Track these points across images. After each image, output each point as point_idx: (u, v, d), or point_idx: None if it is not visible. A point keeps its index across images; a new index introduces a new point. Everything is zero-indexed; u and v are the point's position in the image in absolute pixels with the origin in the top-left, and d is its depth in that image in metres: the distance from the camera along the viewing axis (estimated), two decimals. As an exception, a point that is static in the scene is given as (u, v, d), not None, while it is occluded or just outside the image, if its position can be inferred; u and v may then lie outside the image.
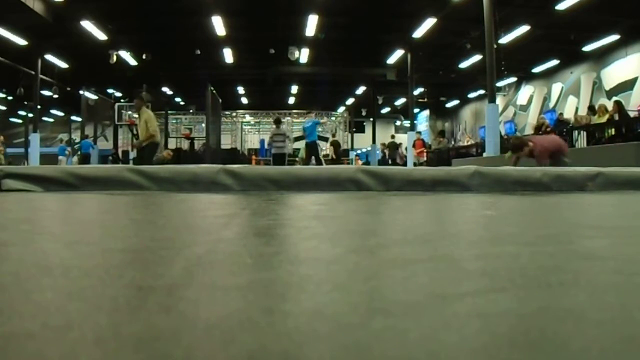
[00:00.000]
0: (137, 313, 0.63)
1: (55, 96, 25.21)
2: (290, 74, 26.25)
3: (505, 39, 17.18)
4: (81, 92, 25.69)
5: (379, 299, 0.73)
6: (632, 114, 14.36)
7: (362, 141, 35.04)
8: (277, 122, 15.55)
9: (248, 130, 37.71)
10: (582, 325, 0.59)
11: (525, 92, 26.14)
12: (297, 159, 26.22)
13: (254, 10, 17.62)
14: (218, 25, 18.31)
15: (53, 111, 33.85)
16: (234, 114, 33.85)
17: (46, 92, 24.73)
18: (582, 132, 13.82)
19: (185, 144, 28.16)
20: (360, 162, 28.30)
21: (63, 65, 23.02)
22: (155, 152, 9.70)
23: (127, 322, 0.59)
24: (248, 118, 35.34)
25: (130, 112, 22.21)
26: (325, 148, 34.80)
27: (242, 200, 3.15)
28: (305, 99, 33.69)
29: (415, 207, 2.86)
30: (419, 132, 23.40)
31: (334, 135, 28.35)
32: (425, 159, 20.34)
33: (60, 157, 21.75)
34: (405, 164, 20.86)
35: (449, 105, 35.14)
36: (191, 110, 32.70)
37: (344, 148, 33.00)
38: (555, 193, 3.84)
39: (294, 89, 31.73)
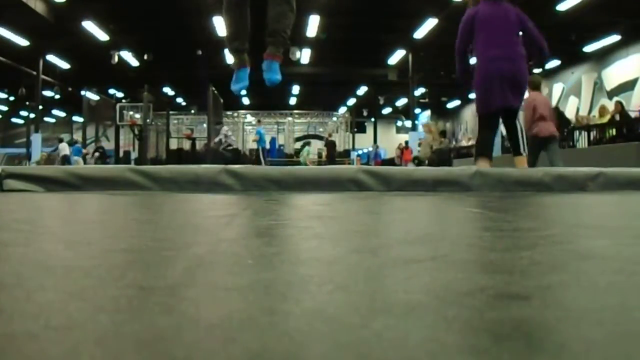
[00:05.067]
0: (138, 313, 0.64)
1: (57, 97, 25.28)
2: (292, 74, 26.27)
3: (506, 39, 17.15)
4: (83, 92, 25.72)
5: (380, 299, 0.74)
6: (632, 115, 14.36)
7: (363, 141, 35.04)
8: (219, 123, 18.38)
9: (249, 130, 37.71)
10: (583, 325, 0.59)
11: (526, 92, 26.12)
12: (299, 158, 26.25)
13: (254, 10, 17.63)
14: (219, 25, 18.33)
15: (55, 112, 33.91)
16: (236, 114, 33.87)
17: (48, 93, 24.78)
18: (583, 132, 13.82)
19: (186, 144, 28.22)
20: (360, 162, 28.33)
21: (65, 65, 23.08)
22: None
23: (129, 322, 0.59)
24: (249, 118, 35.41)
25: (131, 113, 22.23)
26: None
27: (243, 200, 3.15)
28: (306, 99, 33.71)
29: (416, 207, 2.86)
30: (406, 142, 23.83)
31: (330, 135, 28.39)
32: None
33: (76, 158, 21.27)
34: None
35: (450, 105, 35.16)
36: (192, 111, 32.75)
37: (345, 148, 33.04)
38: (556, 193, 3.84)
39: (296, 89, 31.76)
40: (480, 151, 5.36)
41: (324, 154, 28.93)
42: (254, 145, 35.01)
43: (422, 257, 1.09)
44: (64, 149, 21.04)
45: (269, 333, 0.55)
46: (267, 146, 25.32)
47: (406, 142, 24.41)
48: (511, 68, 5.12)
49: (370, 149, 30.53)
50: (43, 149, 23.33)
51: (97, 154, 22.54)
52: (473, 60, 5.54)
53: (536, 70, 10.76)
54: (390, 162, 26.49)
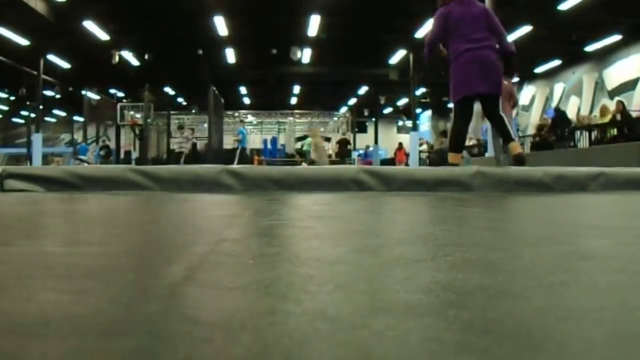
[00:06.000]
0: (139, 313, 0.64)
1: (58, 96, 25.28)
2: (293, 74, 26.29)
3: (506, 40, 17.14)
4: (83, 92, 25.74)
5: (380, 298, 0.74)
6: (634, 114, 14.36)
7: (365, 141, 35.03)
8: (181, 127, 19.51)
9: (250, 130, 37.68)
10: (583, 325, 0.59)
11: (528, 92, 26.13)
12: (299, 157, 26.37)
13: (256, 10, 17.64)
14: (220, 25, 18.35)
15: (55, 111, 33.92)
16: (236, 114, 33.89)
17: (48, 93, 24.78)
18: (584, 132, 13.82)
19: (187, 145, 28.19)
20: (361, 162, 28.41)
21: (65, 65, 23.08)
22: None
23: (130, 322, 0.60)
24: (250, 118, 35.44)
25: (132, 112, 22.24)
26: (327, 148, 34.97)
27: (244, 200, 3.16)
28: (307, 99, 33.71)
29: (417, 207, 2.86)
30: (400, 143, 24.51)
31: (344, 133, 28.82)
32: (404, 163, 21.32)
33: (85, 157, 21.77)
34: None
35: (450, 105, 35.11)
36: (193, 111, 32.75)
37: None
38: (557, 193, 3.84)
39: (297, 89, 31.76)
40: (451, 147, 5.81)
41: (324, 152, 29.10)
42: (253, 146, 35.05)
43: (423, 256, 1.09)
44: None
45: (270, 333, 0.55)
46: (251, 145, 25.91)
47: (400, 144, 25.08)
48: (480, 55, 5.50)
49: (371, 148, 30.52)
50: (44, 148, 23.35)
51: (102, 152, 22.78)
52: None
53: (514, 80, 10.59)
54: (389, 162, 26.65)
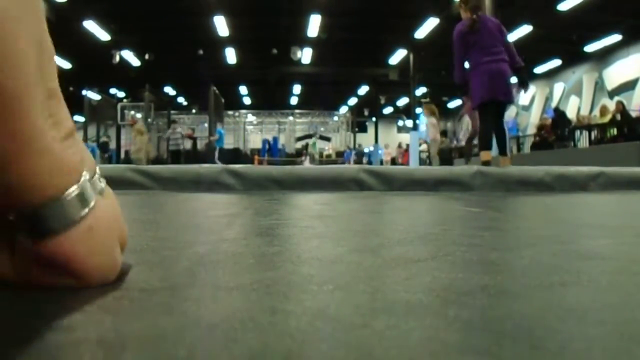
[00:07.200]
0: (139, 313, 0.64)
1: (58, 96, 25.30)
2: (293, 74, 26.34)
3: (507, 39, 17.13)
4: (84, 92, 25.76)
5: (381, 298, 0.74)
6: (633, 114, 14.38)
7: (365, 141, 35.08)
8: (174, 122, 19.43)
9: (251, 130, 37.69)
10: (584, 325, 0.59)
11: (528, 92, 26.16)
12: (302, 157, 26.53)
13: (256, 10, 17.65)
14: (221, 25, 18.37)
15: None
16: (237, 114, 33.94)
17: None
18: (584, 131, 13.83)
19: (188, 144, 28.26)
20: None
21: (66, 65, 23.09)
22: None
23: (130, 322, 0.60)
24: (250, 118, 35.49)
25: (133, 112, 22.26)
26: (327, 148, 35.01)
27: (244, 200, 3.16)
28: (307, 99, 33.75)
29: (417, 207, 2.86)
30: (407, 144, 24.88)
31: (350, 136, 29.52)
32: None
33: None
34: None
35: (451, 105, 35.16)
36: (194, 110, 32.81)
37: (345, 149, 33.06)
38: (557, 193, 3.84)
39: (297, 88, 31.80)
40: (482, 145, 6.62)
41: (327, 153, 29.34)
42: (254, 145, 35.07)
43: (423, 256, 1.09)
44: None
45: (271, 333, 0.55)
46: (251, 145, 25.66)
47: (407, 145, 25.25)
48: (495, 68, 6.29)
49: (372, 148, 30.54)
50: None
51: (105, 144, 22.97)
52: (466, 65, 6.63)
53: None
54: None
